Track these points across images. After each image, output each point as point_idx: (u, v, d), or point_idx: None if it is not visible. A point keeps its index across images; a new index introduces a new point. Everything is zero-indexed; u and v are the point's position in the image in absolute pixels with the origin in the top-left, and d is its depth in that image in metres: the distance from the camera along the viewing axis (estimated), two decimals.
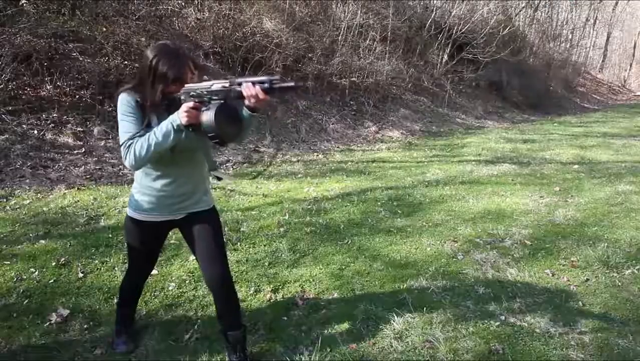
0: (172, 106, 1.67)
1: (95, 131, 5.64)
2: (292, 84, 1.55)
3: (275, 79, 1.55)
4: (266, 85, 1.54)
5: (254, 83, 1.55)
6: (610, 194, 5.31)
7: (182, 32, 7.74)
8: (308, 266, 3.18)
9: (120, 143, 1.69)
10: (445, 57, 13.75)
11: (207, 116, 1.57)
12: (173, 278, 2.89)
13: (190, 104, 1.62)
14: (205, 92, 1.62)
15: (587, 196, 5.20)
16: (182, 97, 1.66)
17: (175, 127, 1.63)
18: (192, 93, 1.64)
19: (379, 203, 4.70)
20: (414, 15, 13.35)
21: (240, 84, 1.58)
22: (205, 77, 1.71)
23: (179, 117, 1.61)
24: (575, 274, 3.19)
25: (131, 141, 1.67)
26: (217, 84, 1.62)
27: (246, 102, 1.61)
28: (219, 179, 1.93)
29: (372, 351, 2.27)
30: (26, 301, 2.57)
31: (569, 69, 23.58)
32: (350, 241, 3.64)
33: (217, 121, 1.56)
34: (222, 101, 1.60)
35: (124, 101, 1.72)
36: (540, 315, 2.62)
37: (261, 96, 1.55)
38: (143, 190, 1.87)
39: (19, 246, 3.19)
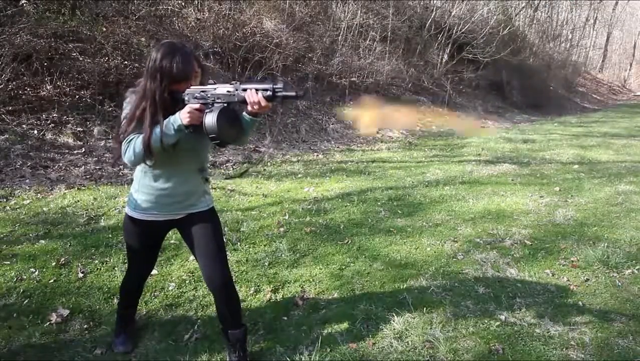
0: (178, 104, 1.71)
1: (95, 131, 5.64)
2: (293, 93, 1.61)
3: (278, 87, 1.61)
4: (269, 93, 1.61)
5: (257, 90, 1.62)
6: (610, 194, 5.31)
7: (182, 32, 7.73)
8: (308, 266, 3.18)
9: (122, 139, 1.71)
10: (445, 57, 13.75)
11: (210, 118, 1.62)
12: (173, 278, 2.89)
13: (195, 105, 1.66)
14: (209, 95, 1.68)
15: (587, 196, 5.20)
16: (186, 98, 1.70)
17: (175, 127, 1.66)
18: (196, 95, 1.69)
19: (379, 203, 4.70)
20: (414, 15, 13.35)
21: (244, 90, 1.65)
22: (210, 80, 1.75)
23: (181, 117, 1.65)
24: (575, 274, 3.19)
25: (132, 137, 1.69)
26: (221, 88, 1.68)
27: (248, 107, 1.67)
28: (207, 180, 1.97)
29: (372, 351, 2.27)
30: (26, 301, 2.57)
31: (569, 69, 23.58)
32: (350, 241, 3.64)
33: (219, 123, 1.61)
34: (224, 104, 1.66)
35: (131, 97, 1.76)
36: (540, 315, 2.62)
37: (263, 103, 1.62)
38: (142, 189, 1.88)
39: (19, 246, 3.19)
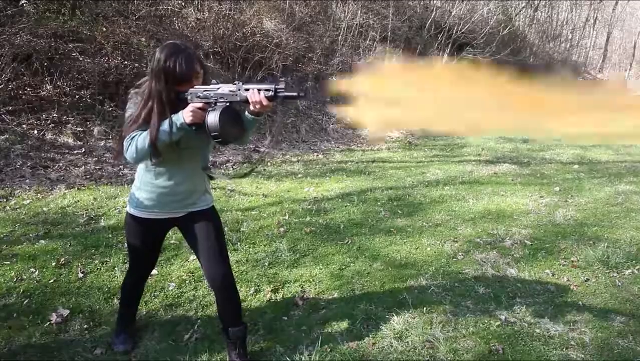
0: (181, 104, 1.72)
1: (95, 131, 5.64)
2: (295, 93, 1.64)
3: (280, 87, 1.63)
4: (271, 93, 1.63)
5: (259, 90, 1.64)
6: (610, 194, 5.31)
7: (182, 32, 7.73)
8: (308, 266, 3.18)
9: (124, 135, 1.73)
10: (445, 57, 13.75)
11: (212, 117, 1.64)
12: (173, 278, 2.89)
13: (198, 104, 1.68)
14: (212, 95, 1.70)
15: (587, 196, 5.20)
16: (189, 98, 1.72)
17: (178, 125, 1.68)
18: (199, 94, 1.71)
19: (379, 203, 4.70)
20: (414, 15, 13.35)
21: (247, 90, 1.67)
22: (213, 80, 1.77)
23: (184, 116, 1.67)
24: (575, 274, 3.19)
25: (135, 134, 1.70)
26: (224, 88, 1.71)
27: (250, 107, 1.68)
28: (212, 178, 1.99)
29: (372, 351, 2.27)
30: (26, 301, 2.57)
31: (569, 69, 23.56)
32: (350, 241, 3.64)
33: (222, 122, 1.64)
34: (227, 104, 1.69)
35: (135, 97, 1.77)
36: (540, 315, 2.62)
37: (265, 103, 1.64)
38: (143, 187, 1.89)
39: (19, 246, 3.19)
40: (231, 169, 5.99)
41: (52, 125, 5.40)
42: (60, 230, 3.52)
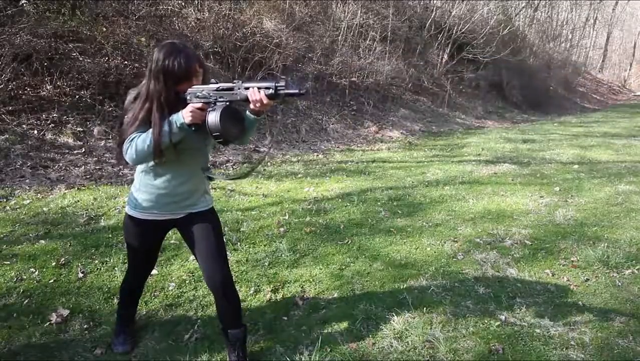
0: (180, 104, 1.71)
1: (95, 131, 5.64)
2: (296, 90, 1.62)
3: (280, 85, 1.62)
4: (271, 91, 1.62)
5: (259, 88, 1.62)
6: (610, 194, 5.31)
7: (182, 32, 7.74)
8: (308, 266, 3.18)
9: (123, 138, 1.72)
10: (445, 57, 13.75)
11: (213, 117, 1.63)
12: (173, 278, 2.89)
13: (198, 104, 1.67)
14: (211, 94, 1.69)
15: (587, 196, 5.20)
16: (188, 98, 1.71)
17: (178, 126, 1.66)
18: (198, 94, 1.70)
19: (379, 203, 4.70)
20: (414, 15, 13.36)
21: (247, 88, 1.66)
22: (212, 80, 1.76)
23: (184, 116, 1.66)
24: (575, 274, 3.19)
25: (134, 135, 1.69)
26: (223, 87, 1.69)
27: (251, 105, 1.67)
28: (211, 179, 1.99)
29: (372, 351, 2.27)
30: (26, 301, 2.57)
31: (569, 69, 23.58)
32: (350, 241, 3.64)
33: (222, 121, 1.63)
34: (227, 103, 1.67)
35: (133, 103, 1.76)
36: (540, 315, 2.62)
37: (265, 101, 1.63)
38: (143, 188, 1.88)
39: (19, 246, 3.19)
40: (231, 169, 5.99)
41: (52, 125, 5.40)
42: (60, 230, 3.52)
